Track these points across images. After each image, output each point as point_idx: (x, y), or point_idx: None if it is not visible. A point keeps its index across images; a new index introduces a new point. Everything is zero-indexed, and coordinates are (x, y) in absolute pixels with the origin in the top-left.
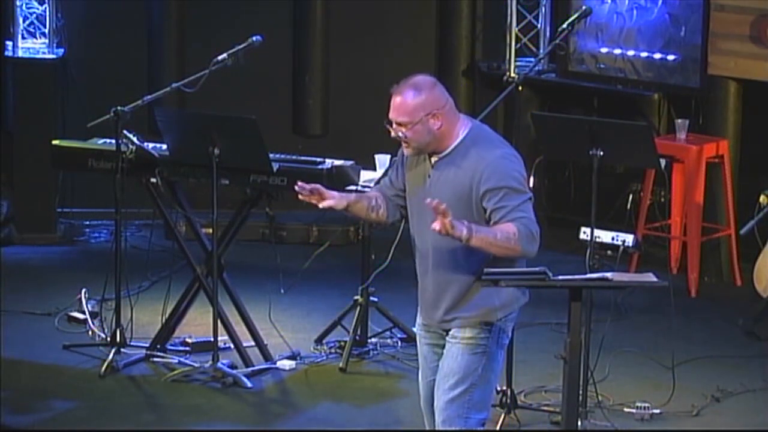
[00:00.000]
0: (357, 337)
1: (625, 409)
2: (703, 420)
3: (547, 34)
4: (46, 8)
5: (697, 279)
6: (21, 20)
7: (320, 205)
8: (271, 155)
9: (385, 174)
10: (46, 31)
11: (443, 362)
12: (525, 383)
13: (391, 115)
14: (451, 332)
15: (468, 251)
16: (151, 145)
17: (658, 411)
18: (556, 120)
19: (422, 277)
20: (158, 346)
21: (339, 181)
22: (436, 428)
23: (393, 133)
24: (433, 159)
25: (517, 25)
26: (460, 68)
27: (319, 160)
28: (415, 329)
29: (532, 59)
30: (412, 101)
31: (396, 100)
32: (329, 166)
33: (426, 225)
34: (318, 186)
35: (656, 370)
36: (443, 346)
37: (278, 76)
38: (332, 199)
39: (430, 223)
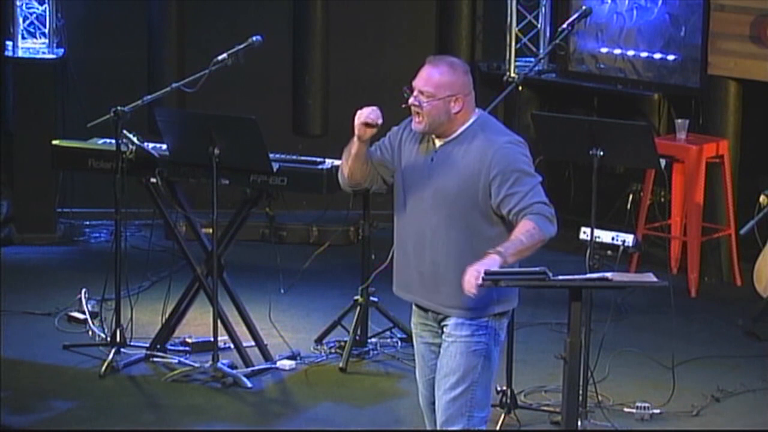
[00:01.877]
0: (357, 337)
1: (625, 409)
2: (703, 420)
3: (547, 34)
4: (46, 8)
5: (697, 279)
6: (21, 20)
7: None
8: (271, 155)
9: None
10: (46, 31)
11: (441, 361)
12: (525, 383)
13: (418, 83)
14: (447, 330)
15: (466, 232)
16: (151, 145)
17: (658, 411)
18: (556, 120)
19: (416, 260)
20: (158, 346)
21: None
22: (437, 427)
23: (411, 100)
24: (437, 142)
25: (517, 25)
26: None
27: (319, 160)
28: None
29: (532, 59)
30: (444, 77)
31: (429, 71)
32: (329, 166)
33: (425, 206)
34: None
35: (656, 370)
36: (440, 345)
37: (278, 76)
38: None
39: (431, 205)
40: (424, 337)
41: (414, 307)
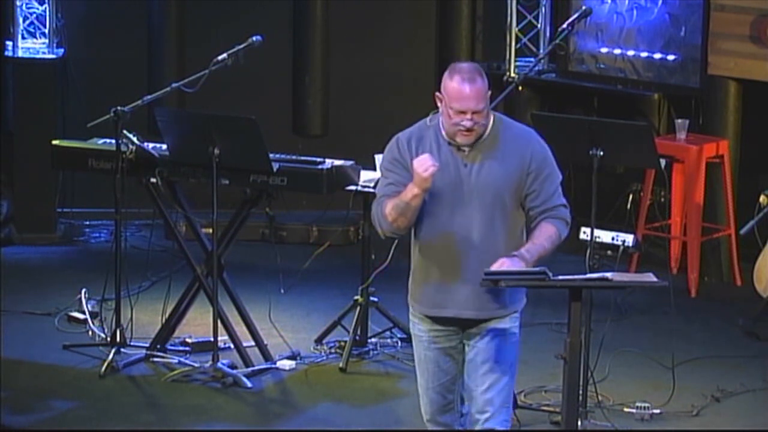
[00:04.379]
0: (357, 337)
1: (625, 409)
2: (703, 420)
3: (547, 34)
4: (46, 8)
5: (697, 279)
6: (21, 20)
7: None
8: (271, 155)
9: (385, 181)
10: (46, 31)
11: (479, 357)
12: (525, 383)
13: (470, 105)
14: (486, 326)
15: (510, 227)
16: (151, 145)
17: (658, 411)
18: (556, 120)
19: (457, 269)
20: (158, 346)
21: (339, 181)
22: (480, 423)
23: (469, 124)
24: (465, 147)
25: (517, 25)
26: None
27: (319, 160)
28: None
29: (532, 59)
30: (483, 87)
31: (471, 89)
32: (329, 166)
33: (468, 212)
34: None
35: (656, 370)
36: (455, 347)
37: (278, 76)
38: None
39: (476, 208)
40: (438, 342)
41: (422, 315)
